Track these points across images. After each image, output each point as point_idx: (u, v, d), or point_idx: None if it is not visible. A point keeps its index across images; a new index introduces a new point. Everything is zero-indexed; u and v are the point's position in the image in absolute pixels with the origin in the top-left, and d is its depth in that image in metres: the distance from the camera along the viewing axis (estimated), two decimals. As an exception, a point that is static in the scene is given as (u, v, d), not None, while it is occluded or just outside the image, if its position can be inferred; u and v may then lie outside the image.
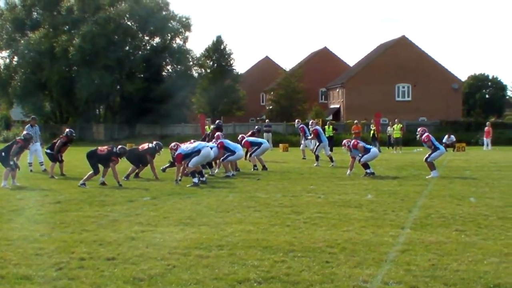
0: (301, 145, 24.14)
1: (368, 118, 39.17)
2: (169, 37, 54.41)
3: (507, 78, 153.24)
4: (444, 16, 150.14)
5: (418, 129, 16.35)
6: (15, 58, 54.67)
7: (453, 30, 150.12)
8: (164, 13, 53.82)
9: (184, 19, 54.38)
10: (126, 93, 51.73)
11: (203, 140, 18.85)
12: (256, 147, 18.04)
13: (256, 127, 25.91)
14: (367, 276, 5.49)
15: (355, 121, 34.12)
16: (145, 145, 15.82)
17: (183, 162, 14.01)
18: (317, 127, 20.35)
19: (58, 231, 7.83)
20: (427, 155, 15.48)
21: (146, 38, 55.15)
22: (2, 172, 13.90)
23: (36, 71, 51.26)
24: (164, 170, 16.71)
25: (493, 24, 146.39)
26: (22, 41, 51.95)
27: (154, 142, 15.94)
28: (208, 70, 56.91)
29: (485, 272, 5.62)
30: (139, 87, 49.95)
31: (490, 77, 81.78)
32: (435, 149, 15.39)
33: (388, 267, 5.82)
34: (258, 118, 63.54)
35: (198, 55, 56.53)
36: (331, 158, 19.42)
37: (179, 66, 55.22)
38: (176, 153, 14.26)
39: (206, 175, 14.57)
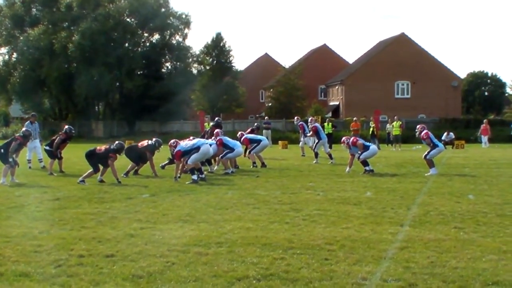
0: (301, 142, 24.14)
1: (367, 115, 39.15)
2: (168, 34, 54.36)
3: (506, 75, 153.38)
4: (444, 13, 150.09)
5: (417, 127, 16.35)
6: (14, 55, 54.61)
7: (452, 27, 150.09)
8: (163, 10, 53.76)
9: (183, 16, 54.36)
10: (126, 90, 51.70)
11: (203, 137, 18.86)
12: (255, 144, 18.03)
13: (256, 124, 25.95)
14: (366, 273, 5.50)
15: (354, 119, 34.08)
16: (145, 142, 15.81)
17: (182, 159, 14.00)
18: (316, 124, 20.34)
19: (57, 228, 7.83)
20: (426, 153, 15.48)
21: (146, 35, 55.08)
22: (1, 169, 13.89)
23: (35, 67, 51.19)
24: (163, 167, 16.71)
25: (493, 21, 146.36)
26: (21, 38, 51.88)
27: (154, 139, 15.94)
28: (208, 67, 56.84)
29: (483, 269, 5.62)
30: (139, 84, 49.92)
31: (489, 74, 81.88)
32: (434, 146, 15.39)
33: (387, 264, 5.83)
34: (257, 115, 63.48)
35: (197, 52, 56.58)
36: (330, 155, 19.42)
37: (178, 63, 55.18)
38: (175, 150, 14.25)
39: (205, 172, 14.57)
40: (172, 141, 15.13)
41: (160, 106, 49.02)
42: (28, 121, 18.69)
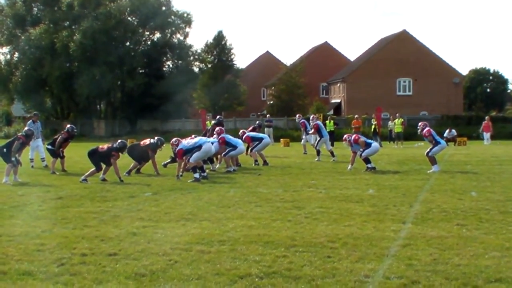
0: (302, 140, 24.14)
1: (369, 113, 39.13)
2: (169, 33, 54.37)
3: (508, 72, 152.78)
4: (445, 10, 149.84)
5: (419, 124, 16.33)
6: (16, 54, 54.67)
7: (454, 24, 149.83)
8: (164, 8, 53.77)
9: (185, 15, 54.35)
10: (127, 89, 51.72)
11: (204, 135, 18.86)
12: (257, 142, 18.02)
13: (257, 122, 25.92)
14: (368, 271, 5.50)
15: (355, 116, 34.09)
16: (147, 141, 15.82)
17: (184, 158, 14.01)
18: (318, 122, 20.32)
19: (59, 227, 7.84)
20: (428, 150, 15.46)
21: (147, 33, 55.10)
22: (4, 168, 13.91)
23: (37, 67, 51.25)
24: (165, 165, 16.72)
25: (495, 18, 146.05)
26: (23, 37, 51.92)
27: (156, 138, 15.95)
28: (209, 65, 56.82)
29: (486, 266, 5.62)
30: (140, 83, 49.95)
31: (491, 71, 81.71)
32: (436, 143, 15.37)
33: (390, 262, 5.82)
34: (259, 113, 63.49)
35: (199, 51, 56.57)
36: (332, 153, 19.41)
37: (180, 62, 55.20)
38: (177, 148, 14.26)
39: (207, 171, 14.57)
40: (174, 139, 15.13)
41: (162, 105, 49.05)
42: (30, 120, 18.71)
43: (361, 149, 15.58)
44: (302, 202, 9.84)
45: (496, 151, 24.18)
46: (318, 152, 19.59)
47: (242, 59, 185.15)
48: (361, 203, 9.61)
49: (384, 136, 33.10)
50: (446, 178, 13.26)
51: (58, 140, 16.60)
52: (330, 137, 22.12)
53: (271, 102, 61.75)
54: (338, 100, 58.82)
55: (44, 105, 54.66)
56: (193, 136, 16.44)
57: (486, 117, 35.34)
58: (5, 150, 13.97)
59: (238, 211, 8.96)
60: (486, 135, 32.94)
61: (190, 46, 55.38)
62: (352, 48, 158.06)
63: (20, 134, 14.89)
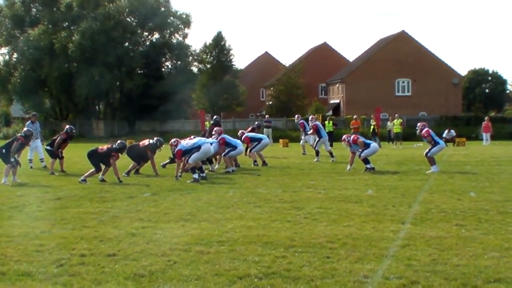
0: (301, 141, 24.13)
1: (368, 113, 39.14)
2: (168, 33, 54.35)
3: (507, 72, 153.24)
4: (444, 10, 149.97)
5: (418, 124, 16.35)
6: (15, 55, 54.60)
7: (452, 24, 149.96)
8: (163, 9, 53.76)
9: (184, 16, 54.33)
10: (126, 90, 51.71)
11: (203, 136, 18.86)
12: (256, 143, 18.02)
13: (256, 122, 25.93)
14: (368, 271, 5.50)
15: (354, 116, 34.11)
16: (146, 141, 15.82)
17: (183, 158, 14.01)
18: (317, 122, 20.33)
19: (58, 228, 7.83)
20: (427, 150, 15.47)
21: (146, 34, 55.07)
22: (3, 169, 13.90)
23: (36, 67, 51.20)
24: (164, 166, 16.72)
25: (493, 18, 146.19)
26: (22, 38, 51.83)
27: (155, 138, 15.95)
28: (208, 66, 56.80)
29: (485, 266, 5.62)
30: (139, 84, 49.93)
31: (490, 71, 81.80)
32: (435, 144, 15.38)
33: (389, 262, 5.82)
34: (258, 114, 63.48)
35: (197, 51, 56.53)
36: (331, 154, 19.41)
37: (178, 62, 55.18)
38: (176, 149, 14.25)
39: (206, 171, 14.57)
40: (173, 140, 15.12)
41: (161, 105, 49.03)
42: (29, 121, 18.71)
43: (360, 150, 15.59)
44: (301, 202, 9.83)
45: (495, 151, 24.20)
46: (317, 153, 19.59)
47: (241, 59, 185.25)
48: (360, 204, 9.61)
49: (383, 137, 33.14)
50: (445, 179, 13.26)
51: (57, 141, 16.60)
52: (329, 138, 22.11)
53: (270, 102, 61.74)
54: (337, 101, 58.82)
55: (43, 106, 54.62)
56: (192, 136, 16.42)
57: (486, 118, 35.37)
58: (4, 150, 13.97)
59: (237, 212, 8.96)
60: (486, 136, 32.97)
61: (189, 47, 55.39)
62: (351, 48, 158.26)
63: (19, 134, 14.89)
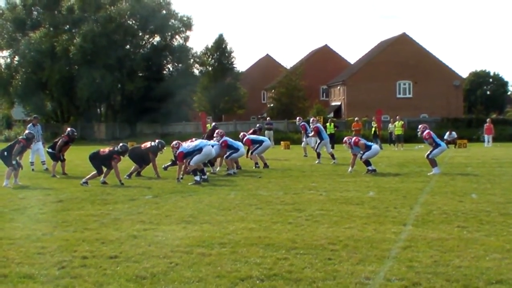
0: (303, 143, 24.13)
1: (369, 115, 39.13)
2: (169, 36, 54.42)
3: (508, 74, 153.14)
4: (445, 12, 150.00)
5: (419, 126, 16.33)
6: (16, 58, 54.73)
7: (453, 26, 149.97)
8: (164, 12, 53.83)
9: (185, 18, 54.42)
10: (127, 92, 51.79)
11: (205, 138, 18.85)
12: (258, 145, 18.03)
13: (258, 125, 25.89)
14: (369, 273, 5.49)
15: (356, 119, 34.09)
16: (148, 144, 15.83)
17: (184, 161, 14.01)
18: (318, 124, 20.34)
19: (60, 230, 7.84)
20: (428, 152, 15.46)
21: (147, 37, 55.16)
22: (4, 172, 13.92)
23: (37, 70, 51.29)
24: (166, 168, 16.73)
25: (494, 20, 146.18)
26: (23, 41, 51.99)
27: (157, 141, 15.95)
28: (209, 68, 56.83)
29: (487, 268, 5.61)
30: (140, 86, 50.01)
31: (491, 73, 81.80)
32: (436, 146, 15.37)
33: (390, 264, 5.82)
34: (259, 116, 63.48)
35: (199, 53, 56.59)
36: (332, 156, 19.40)
37: (180, 65, 55.26)
38: (178, 151, 14.26)
39: (207, 173, 14.57)
40: (174, 142, 15.14)
41: (162, 108, 49.06)
42: (31, 124, 18.73)
43: (361, 152, 15.59)
44: (302, 204, 9.83)
45: (496, 153, 24.18)
46: (319, 155, 19.60)
47: (242, 62, 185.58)
48: (361, 206, 9.61)
49: (384, 139, 33.12)
50: (446, 180, 13.25)
51: (58, 144, 16.61)
52: (330, 140, 22.11)
53: (271, 105, 61.73)
54: (338, 103, 58.83)
55: (44, 109, 54.71)
56: (193, 139, 16.43)
57: (488, 120, 35.35)
58: (5, 153, 13.99)
59: (239, 214, 8.96)
60: (488, 138, 32.95)
61: (190, 49, 55.47)
62: (352, 51, 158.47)
63: (21, 137, 14.91)
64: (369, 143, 16.34)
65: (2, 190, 12.86)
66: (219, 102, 55.91)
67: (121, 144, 14.24)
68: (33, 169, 17.82)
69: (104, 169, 13.74)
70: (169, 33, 54.24)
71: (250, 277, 5.44)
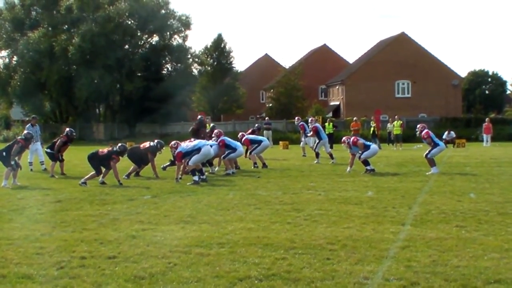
0: (301, 143, 24.14)
1: (368, 115, 39.15)
2: (168, 36, 54.42)
3: (507, 74, 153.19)
4: (443, 12, 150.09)
5: (418, 126, 16.35)
6: (15, 58, 54.72)
7: (452, 26, 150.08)
8: (163, 11, 53.82)
9: (184, 18, 54.40)
10: (126, 92, 51.78)
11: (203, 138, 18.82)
12: (256, 145, 18.03)
13: (256, 125, 25.92)
14: (368, 273, 5.50)
15: (354, 118, 34.09)
16: (147, 144, 15.82)
17: (183, 161, 14.01)
18: (317, 124, 20.35)
19: (59, 230, 7.84)
20: (427, 152, 15.47)
21: (146, 36, 55.13)
22: (3, 172, 13.91)
23: (36, 70, 51.27)
24: (164, 168, 16.72)
25: (493, 19, 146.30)
26: (21, 41, 51.97)
27: (156, 141, 15.95)
28: (208, 68, 56.82)
29: (485, 267, 5.62)
30: (139, 86, 50.01)
31: (490, 73, 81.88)
32: (435, 145, 15.38)
33: (389, 264, 5.82)
34: (258, 116, 63.47)
35: (197, 53, 56.58)
36: (331, 155, 19.42)
37: (179, 65, 55.25)
38: (176, 151, 14.25)
39: (206, 173, 14.57)
40: (173, 142, 15.13)
41: (161, 108, 49.06)
42: (29, 124, 18.72)
43: (360, 151, 15.60)
44: (301, 204, 9.84)
45: (494, 152, 24.21)
46: (317, 155, 19.61)
47: (241, 62, 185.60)
48: (360, 205, 9.61)
49: (383, 138, 33.15)
50: (445, 180, 13.26)
51: (57, 144, 16.60)
52: (329, 140, 22.12)
53: (270, 104, 61.72)
54: (337, 103, 58.85)
55: (43, 109, 54.67)
56: (192, 139, 16.42)
57: (487, 119, 35.39)
58: (4, 153, 13.98)
59: (237, 214, 8.96)
60: (487, 137, 32.99)
61: (189, 49, 55.46)
62: (351, 50, 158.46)
63: (19, 137, 14.91)
64: (368, 143, 16.35)
65: (1, 190, 12.85)
66: (218, 102, 55.90)
67: (119, 144, 14.24)
68: (31, 169, 17.81)
69: (103, 169, 13.74)
70: (168, 33, 54.25)
71: (249, 277, 5.44)
